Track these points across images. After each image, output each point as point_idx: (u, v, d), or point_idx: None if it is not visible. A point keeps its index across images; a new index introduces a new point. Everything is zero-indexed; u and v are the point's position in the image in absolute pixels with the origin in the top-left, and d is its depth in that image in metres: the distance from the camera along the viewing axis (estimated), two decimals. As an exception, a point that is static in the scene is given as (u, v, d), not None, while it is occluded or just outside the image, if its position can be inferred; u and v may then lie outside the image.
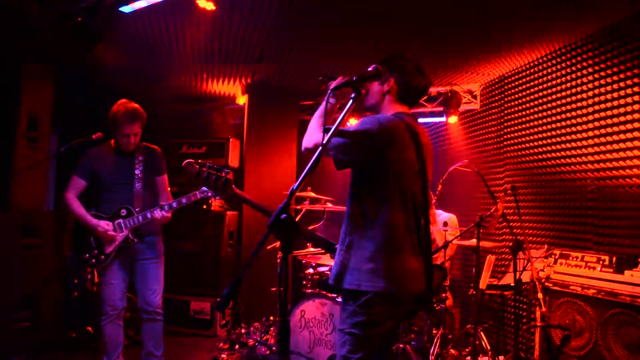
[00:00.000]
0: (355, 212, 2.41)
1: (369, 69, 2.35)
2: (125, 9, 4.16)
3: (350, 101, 2.19)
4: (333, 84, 2.43)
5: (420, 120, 6.73)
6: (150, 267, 3.99)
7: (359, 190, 2.41)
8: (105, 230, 3.80)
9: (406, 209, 2.38)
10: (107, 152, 4.00)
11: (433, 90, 6.38)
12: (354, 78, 2.21)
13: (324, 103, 2.34)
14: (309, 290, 4.58)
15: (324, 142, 2.02)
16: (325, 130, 2.10)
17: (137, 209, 3.89)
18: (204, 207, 6.27)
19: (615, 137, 4.25)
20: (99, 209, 3.91)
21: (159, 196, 4.06)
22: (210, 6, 4.12)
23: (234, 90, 6.78)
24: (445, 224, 4.83)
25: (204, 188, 3.76)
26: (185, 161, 2.73)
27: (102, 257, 3.85)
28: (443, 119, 6.41)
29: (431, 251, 2.51)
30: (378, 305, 2.28)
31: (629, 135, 4.12)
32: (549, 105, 4.95)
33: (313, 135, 2.44)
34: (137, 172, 3.96)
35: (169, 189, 4.15)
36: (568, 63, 4.79)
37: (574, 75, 4.72)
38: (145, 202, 3.95)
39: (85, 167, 3.95)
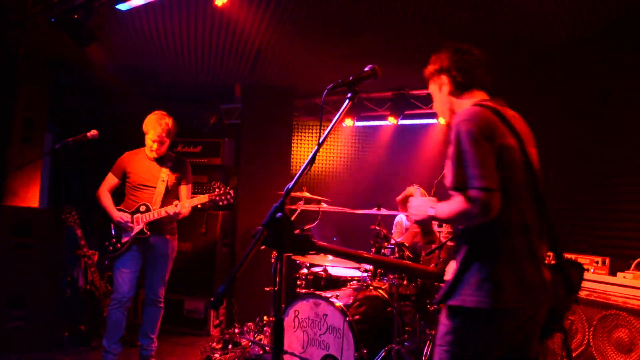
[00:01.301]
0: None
1: (366, 68, 2.34)
2: (122, 6, 4.16)
3: (347, 101, 2.18)
4: (330, 86, 2.38)
5: (415, 122, 6.77)
6: (160, 262, 4.44)
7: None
8: (125, 221, 4.28)
9: (521, 209, 2.12)
10: (141, 157, 4.47)
11: (427, 91, 6.39)
12: (351, 78, 2.20)
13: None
14: (303, 291, 4.57)
15: (320, 141, 2.02)
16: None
17: (154, 207, 4.33)
18: (198, 206, 6.25)
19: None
20: (125, 205, 4.40)
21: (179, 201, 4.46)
22: (221, 1, 4.15)
23: (230, 90, 6.78)
24: (440, 225, 4.83)
25: (219, 192, 4.38)
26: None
27: (119, 245, 4.33)
28: (438, 120, 6.42)
29: (559, 254, 2.24)
30: (482, 323, 2.05)
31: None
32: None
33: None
34: (162, 176, 4.42)
35: (191, 197, 4.55)
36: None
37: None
38: (165, 203, 4.39)
39: (119, 167, 4.46)
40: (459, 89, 2.36)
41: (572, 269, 2.27)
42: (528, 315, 2.09)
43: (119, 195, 4.50)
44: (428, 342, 4.36)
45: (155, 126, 4.34)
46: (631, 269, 3.69)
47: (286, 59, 5.57)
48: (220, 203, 4.39)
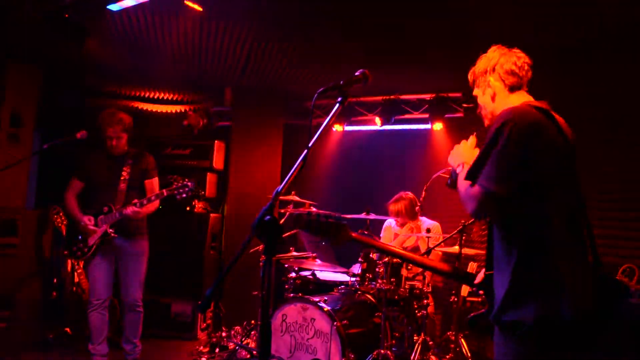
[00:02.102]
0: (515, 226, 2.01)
1: (356, 73, 2.34)
2: (113, 7, 4.14)
3: (337, 105, 2.18)
4: (320, 89, 2.36)
5: (406, 127, 6.78)
6: (131, 263, 4.38)
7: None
8: (86, 224, 4.21)
9: (566, 217, 2.00)
10: (101, 156, 4.40)
11: (417, 97, 6.43)
12: (341, 82, 2.20)
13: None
14: (291, 295, 4.57)
15: (310, 144, 2.02)
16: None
17: (117, 207, 4.23)
18: (187, 208, 6.23)
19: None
20: (89, 207, 4.32)
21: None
22: (198, 7, 4.14)
23: (220, 93, 6.77)
24: (428, 230, 4.85)
25: (177, 186, 4.17)
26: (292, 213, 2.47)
27: (86, 249, 4.25)
28: (428, 126, 6.44)
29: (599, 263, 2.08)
30: (531, 339, 1.89)
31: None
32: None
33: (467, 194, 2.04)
34: (123, 174, 4.33)
35: (157, 191, 4.38)
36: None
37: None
38: (129, 202, 4.26)
39: (80, 169, 4.42)
40: (506, 91, 2.29)
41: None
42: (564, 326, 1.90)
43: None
44: (416, 347, 4.37)
45: (110, 122, 4.27)
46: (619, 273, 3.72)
47: (276, 63, 5.57)
48: (178, 197, 4.22)
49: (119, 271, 4.40)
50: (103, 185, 4.33)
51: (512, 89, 2.28)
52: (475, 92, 2.42)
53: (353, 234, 2.34)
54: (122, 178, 4.32)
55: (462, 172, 2.16)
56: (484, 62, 2.36)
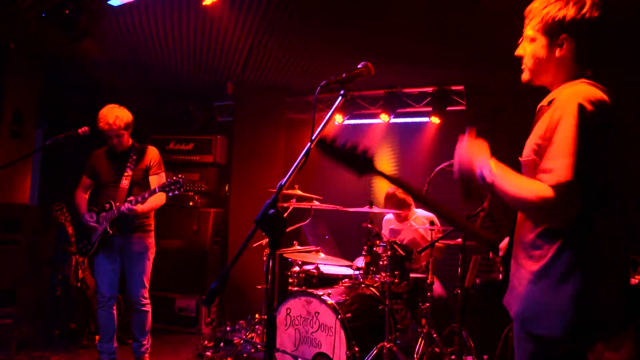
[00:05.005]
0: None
1: (359, 66, 2.32)
2: (114, 2, 4.14)
3: (339, 98, 2.17)
4: (323, 82, 2.28)
5: (408, 120, 6.77)
6: (134, 261, 4.33)
7: None
8: (87, 221, 4.24)
9: (625, 211, 1.82)
10: (107, 154, 4.41)
11: (419, 90, 6.41)
12: (343, 75, 2.19)
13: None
14: (295, 288, 4.57)
15: (313, 138, 2.01)
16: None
17: (117, 204, 4.19)
18: (190, 203, 6.24)
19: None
20: (96, 204, 4.33)
21: None
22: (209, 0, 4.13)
23: (222, 87, 6.75)
24: (432, 222, 4.85)
25: (168, 182, 4.09)
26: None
27: (89, 246, 4.27)
28: (430, 119, 6.43)
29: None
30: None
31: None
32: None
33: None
34: (127, 170, 4.30)
35: None
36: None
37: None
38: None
39: (88, 166, 4.44)
40: (579, 61, 1.91)
41: None
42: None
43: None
44: (420, 340, 4.38)
45: (108, 120, 4.20)
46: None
47: (278, 57, 5.56)
48: (170, 193, 4.11)
49: (125, 270, 4.37)
50: (108, 182, 4.33)
51: (586, 60, 1.94)
52: (535, 41, 1.98)
53: (379, 169, 2.12)
54: (125, 175, 4.29)
55: (503, 175, 1.85)
56: (564, 6, 1.89)
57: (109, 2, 4.17)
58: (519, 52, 2.06)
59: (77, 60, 5.71)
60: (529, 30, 1.98)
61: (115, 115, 4.23)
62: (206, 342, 5.32)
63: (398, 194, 5.27)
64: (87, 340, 5.16)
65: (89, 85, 6.48)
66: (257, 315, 5.31)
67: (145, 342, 4.41)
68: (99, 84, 6.23)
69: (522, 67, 2.05)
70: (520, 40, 2.04)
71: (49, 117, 6.08)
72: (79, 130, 4.13)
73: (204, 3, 4.16)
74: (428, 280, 4.51)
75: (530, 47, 1.99)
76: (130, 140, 4.42)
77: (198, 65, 5.93)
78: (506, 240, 2.16)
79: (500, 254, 2.16)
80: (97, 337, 4.84)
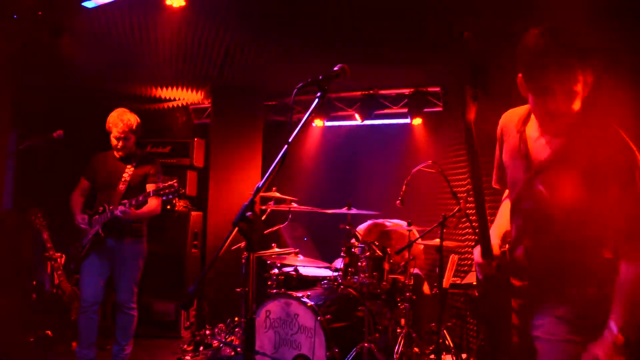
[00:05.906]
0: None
1: (335, 68, 2.33)
2: (89, 4, 4.09)
3: (316, 100, 2.19)
4: (299, 85, 2.31)
5: (385, 121, 6.81)
6: (126, 265, 4.32)
7: None
8: (79, 223, 4.24)
9: None
10: (108, 157, 4.40)
11: (396, 91, 6.46)
12: (320, 77, 2.20)
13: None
14: (274, 291, 4.57)
15: (290, 140, 2.02)
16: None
17: (110, 208, 4.15)
18: (168, 207, 6.18)
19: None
20: (91, 207, 4.35)
21: None
22: (179, 2, 4.11)
23: (199, 90, 6.72)
24: (409, 223, 4.88)
25: (163, 186, 4.07)
26: None
27: (80, 248, 4.27)
28: (407, 120, 6.47)
29: None
30: None
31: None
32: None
33: None
34: (124, 176, 4.30)
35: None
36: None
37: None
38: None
39: (88, 169, 4.44)
40: None
41: None
42: None
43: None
44: (399, 340, 4.41)
45: (117, 123, 4.24)
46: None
47: (255, 60, 5.55)
48: (164, 197, 4.10)
49: (113, 273, 4.33)
50: (104, 186, 4.32)
51: None
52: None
53: None
54: (122, 179, 4.28)
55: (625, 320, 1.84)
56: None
57: (83, 4, 4.13)
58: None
59: (51, 64, 5.63)
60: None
61: (126, 117, 4.28)
62: (185, 346, 5.29)
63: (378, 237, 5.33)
64: (63, 347, 5.08)
65: (63, 89, 6.38)
66: (236, 318, 5.31)
67: (126, 347, 4.36)
68: (73, 88, 6.15)
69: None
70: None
71: (22, 122, 5.96)
72: (54, 135, 4.10)
73: (166, 3, 4.13)
74: (406, 281, 4.55)
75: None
76: (135, 147, 4.43)
77: (174, 68, 5.89)
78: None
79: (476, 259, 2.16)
80: (73, 344, 4.79)
